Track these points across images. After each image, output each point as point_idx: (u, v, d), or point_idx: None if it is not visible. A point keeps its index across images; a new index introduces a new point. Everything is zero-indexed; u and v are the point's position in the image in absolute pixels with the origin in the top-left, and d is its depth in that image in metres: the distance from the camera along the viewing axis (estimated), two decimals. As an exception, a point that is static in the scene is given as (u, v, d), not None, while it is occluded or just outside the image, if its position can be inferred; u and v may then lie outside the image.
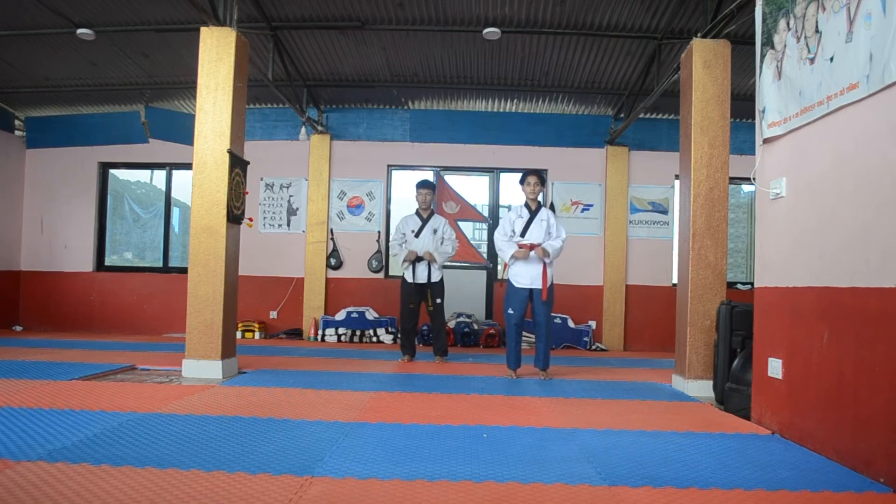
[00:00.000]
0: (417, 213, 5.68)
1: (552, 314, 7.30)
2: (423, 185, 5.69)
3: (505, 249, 4.84)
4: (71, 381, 4.09)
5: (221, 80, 4.46)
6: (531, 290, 4.77)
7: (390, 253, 5.82)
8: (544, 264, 4.73)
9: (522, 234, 4.83)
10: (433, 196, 5.75)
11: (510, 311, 4.81)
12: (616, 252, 7.51)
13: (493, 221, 7.83)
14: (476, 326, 7.19)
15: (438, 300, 5.55)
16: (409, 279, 5.53)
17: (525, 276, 4.76)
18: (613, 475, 2.36)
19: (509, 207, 9.05)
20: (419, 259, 5.51)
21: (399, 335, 5.75)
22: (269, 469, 2.31)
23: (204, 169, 4.46)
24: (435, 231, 5.58)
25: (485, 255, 7.78)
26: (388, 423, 3.13)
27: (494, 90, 7.34)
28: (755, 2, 3.47)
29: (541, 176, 4.95)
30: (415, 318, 5.61)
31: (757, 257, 3.51)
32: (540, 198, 4.99)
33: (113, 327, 7.78)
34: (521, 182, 4.94)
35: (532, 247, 4.76)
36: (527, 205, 4.93)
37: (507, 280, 4.88)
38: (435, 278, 5.52)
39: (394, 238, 5.71)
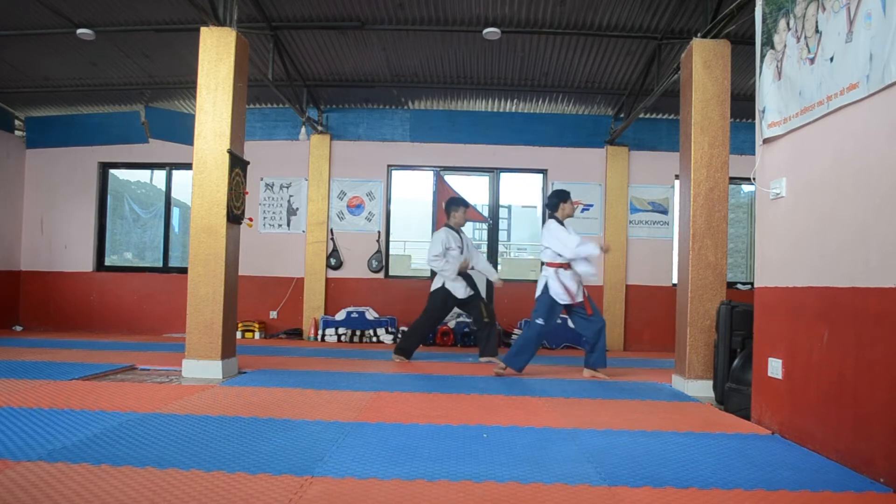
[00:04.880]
0: (453, 228, 5.66)
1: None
2: (466, 203, 5.77)
3: (584, 247, 4.72)
4: (71, 381, 4.09)
5: (221, 80, 4.46)
6: (570, 305, 4.85)
7: (436, 268, 5.58)
8: (579, 278, 4.86)
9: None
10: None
11: (539, 321, 4.83)
12: (616, 252, 7.50)
13: (493, 221, 7.83)
14: (476, 327, 7.18)
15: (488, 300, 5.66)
16: (461, 294, 5.53)
17: (567, 295, 4.80)
18: (613, 475, 2.36)
19: (509, 208, 9.10)
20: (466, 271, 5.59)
21: (406, 338, 5.73)
22: (269, 469, 2.31)
23: (204, 169, 4.46)
24: (467, 247, 5.70)
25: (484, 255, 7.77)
26: (388, 423, 3.13)
27: (494, 90, 7.34)
28: (755, 2, 3.47)
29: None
30: (437, 328, 5.64)
31: (757, 257, 3.51)
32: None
33: (113, 327, 7.78)
34: (566, 200, 4.95)
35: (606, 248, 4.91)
36: (557, 218, 4.96)
37: (547, 293, 4.83)
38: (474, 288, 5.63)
39: (438, 253, 5.48)
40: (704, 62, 4.42)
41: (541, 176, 7.85)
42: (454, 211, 5.67)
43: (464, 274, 5.56)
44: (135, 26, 5.92)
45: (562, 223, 4.92)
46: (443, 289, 5.56)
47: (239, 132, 4.64)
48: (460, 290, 5.52)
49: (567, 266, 4.82)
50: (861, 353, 2.51)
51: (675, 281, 7.02)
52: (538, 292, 4.91)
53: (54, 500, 1.95)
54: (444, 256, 5.49)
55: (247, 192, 4.84)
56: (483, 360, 5.59)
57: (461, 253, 5.55)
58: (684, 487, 2.24)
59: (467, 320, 7.20)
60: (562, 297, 4.80)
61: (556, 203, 4.96)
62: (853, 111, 2.61)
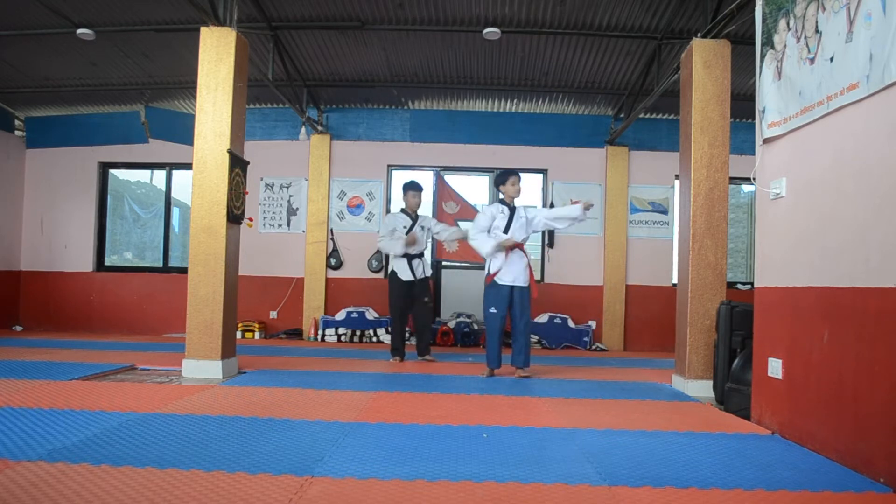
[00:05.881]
0: (405, 212, 5.72)
1: (553, 314, 7.30)
2: (417, 187, 5.74)
3: (482, 242, 4.79)
4: (71, 381, 4.09)
5: (221, 80, 4.46)
6: (513, 288, 4.78)
7: (379, 245, 5.85)
8: (528, 262, 4.80)
9: (505, 231, 4.84)
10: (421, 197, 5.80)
11: (493, 309, 4.80)
12: (616, 252, 7.51)
13: (493, 221, 7.83)
14: (476, 326, 7.19)
15: (426, 298, 5.60)
16: (407, 277, 5.54)
17: (508, 273, 4.77)
18: (613, 475, 2.36)
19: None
20: (418, 255, 5.56)
21: (391, 337, 5.77)
22: (269, 469, 2.31)
23: (204, 169, 4.46)
24: (423, 228, 5.66)
25: (485, 255, 7.77)
26: (388, 423, 3.13)
27: (494, 90, 7.34)
28: (755, 2, 3.47)
29: (517, 174, 5.00)
30: (407, 317, 5.67)
31: (757, 257, 3.51)
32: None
33: (113, 327, 7.78)
34: (505, 182, 4.90)
35: (516, 245, 4.78)
36: (502, 201, 4.93)
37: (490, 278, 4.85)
38: (425, 274, 5.61)
39: (384, 233, 5.67)
40: (704, 62, 4.42)
41: (541, 176, 7.85)
42: (404, 195, 5.75)
43: (411, 259, 5.56)
44: (135, 26, 5.92)
45: (506, 204, 4.90)
46: (391, 272, 5.65)
47: (239, 132, 4.64)
48: (404, 271, 5.53)
49: (514, 247, 4.80)
50: (861, 353, 2.51)
51: (675, 281, 7.02)
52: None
53: (54, 500, 1.95)
54: (391, 237, 5.61)
55: (247, 192, 4.84)
56: (420, 359, 5.65)
57: (407, 234, 5.62)
58: (684, 487, 2.24)
59: (467, 320, 7.21)
60: (502, 278, 4.77)
61: (500, 184, 4.97)
62: (853, 111, 2.61)
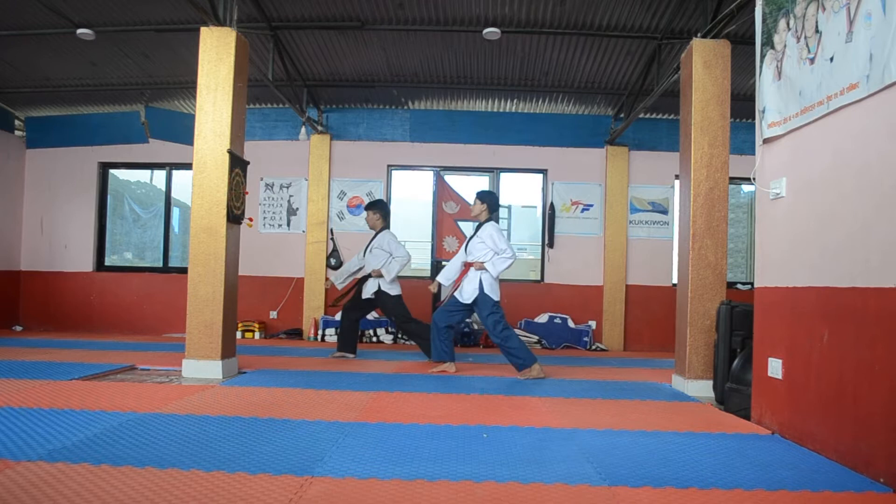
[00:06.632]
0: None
1: (553, 314, 7.30)
2: (370, 205, 5.87)
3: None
4: (71, 381, 4.09)
5: (221, 80, 4.46)
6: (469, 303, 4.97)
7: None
8: (475, 278, 4.92)
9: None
10: (378, 216, 5.81)
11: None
12: (616, 252, 7.51)
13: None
14: (476, 326, 7.20)
15: (394, 316, 5.71)
16: (364, 293, 5.75)
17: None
18: (613, 475, 2.36)
19: (509, 208, 9.13)
20: (367, 276, 5.75)
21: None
22: (269, 469, 2.31)
23: (204, 169, 4.46)
24: (380, 248, 5.71)
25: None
26: (388, 423, 3.13)
27: (494, 90, 7.34)
28: (755, 2, 3.47)
29: (478, 196, 5.17)
30: (349, 319, 5.79)
31: (757, 257, 3.51)
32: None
33: (113, 327, 7.78)
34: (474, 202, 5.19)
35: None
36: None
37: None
38: (378, 292, 5.65)
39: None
40: (704, 62, 4.42)
41: (541, 176, 7.85)
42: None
43: (364, 279, 5.77)
44: (135, 26, 5.92)
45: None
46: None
47: (239, 132, 4.64)
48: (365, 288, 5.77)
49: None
50: (861, 353, 2.51)
51: (675, 281, 7.03)
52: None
53: (54, 500, 1.95)
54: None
55: (247, 192, 4.84)
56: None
57: (363, 255, 5.84)
58: (684, 487, 2.24)
59: (468, 320, 7.20)
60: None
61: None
62: (853, 111, 2.61)
